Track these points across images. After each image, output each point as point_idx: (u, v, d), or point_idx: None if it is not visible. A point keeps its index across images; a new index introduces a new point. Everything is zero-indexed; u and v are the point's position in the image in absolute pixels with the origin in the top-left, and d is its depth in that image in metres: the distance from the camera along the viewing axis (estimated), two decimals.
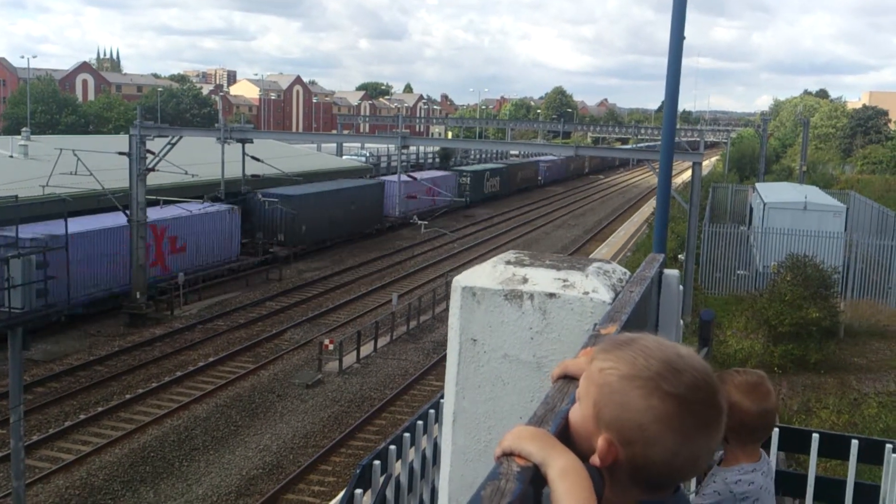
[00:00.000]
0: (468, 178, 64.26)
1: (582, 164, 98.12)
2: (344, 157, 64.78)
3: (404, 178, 48.57)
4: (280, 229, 40.27)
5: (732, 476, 2.67)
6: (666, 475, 1.43)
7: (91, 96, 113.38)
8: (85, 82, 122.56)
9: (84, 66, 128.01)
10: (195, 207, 33.32)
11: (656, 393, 1.39)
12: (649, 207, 60.64)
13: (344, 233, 44.94)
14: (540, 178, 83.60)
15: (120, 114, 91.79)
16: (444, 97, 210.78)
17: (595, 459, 1.43)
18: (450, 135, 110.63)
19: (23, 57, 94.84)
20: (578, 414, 1.49)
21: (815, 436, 3.95)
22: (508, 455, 1.39)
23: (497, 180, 70.64)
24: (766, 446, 3.48)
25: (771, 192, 36.23)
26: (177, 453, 19.77)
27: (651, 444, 1.39)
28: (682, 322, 3.54)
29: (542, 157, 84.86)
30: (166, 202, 32.94)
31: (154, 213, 31.90)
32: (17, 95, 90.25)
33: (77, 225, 27.64)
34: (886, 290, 28.63)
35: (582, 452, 1.46)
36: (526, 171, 79.57)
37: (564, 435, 1.48)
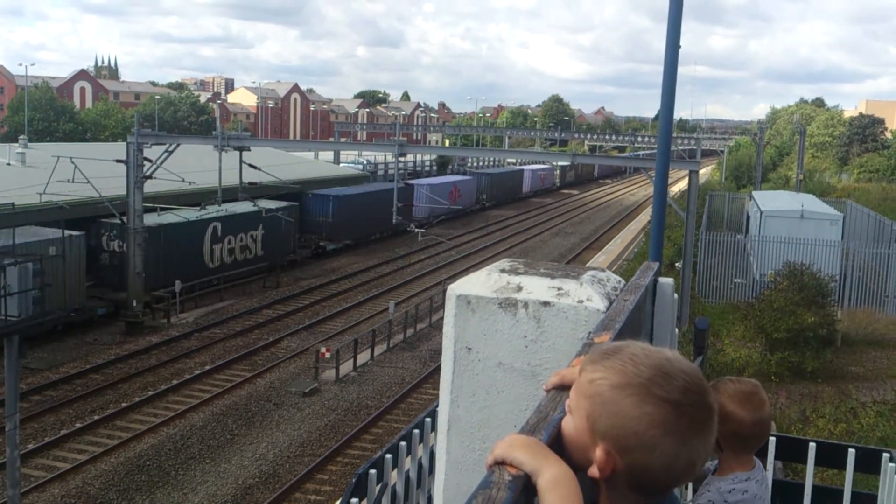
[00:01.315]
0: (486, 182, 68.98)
1: (591, 170, 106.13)
2: (341, 164, 64.82)
3: (432, 181, 55.70)
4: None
5: (726, 485, 2.67)
6: (665, 480, 1.44)
7: (89, 104, 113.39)
8: (83, 90, 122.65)
9: (82, 74, 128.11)
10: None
11: (650, 399, 1.39)
12: (646, 216, 60.72)
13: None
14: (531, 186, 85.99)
15: (118, 121, 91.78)
16: (442, 105, 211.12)
17: (594, 471, 1.43)
18: (447, 143, 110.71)
19: (21, 64, 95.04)
20: (571, 426, 1.49)
21: (812, 445, 3.94)
22: (500, 464, 1.38)
23: (511, 185, 76.13)
24: (763, 455, 3.47)
25: (768, 200, 36.29)
26: (173, 462, 19.71)
27: (649, 451, 1.39)
28: (676, 330, 3.54)
29: (549, 165, 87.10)
30: (163, 209, 32.92)
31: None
32: (16, 103, 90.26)
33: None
34: (883, 299, 28.66)
35: (576, 463, 1.46)
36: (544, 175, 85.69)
37: (557, 444, 1.47)
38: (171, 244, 33.37)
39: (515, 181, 78.26)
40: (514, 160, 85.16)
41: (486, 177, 70.62)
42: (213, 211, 34.43)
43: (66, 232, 25.47)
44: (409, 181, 57.12)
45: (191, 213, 35.16)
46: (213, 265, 35.99)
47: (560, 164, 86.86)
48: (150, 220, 32.45)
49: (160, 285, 31.93)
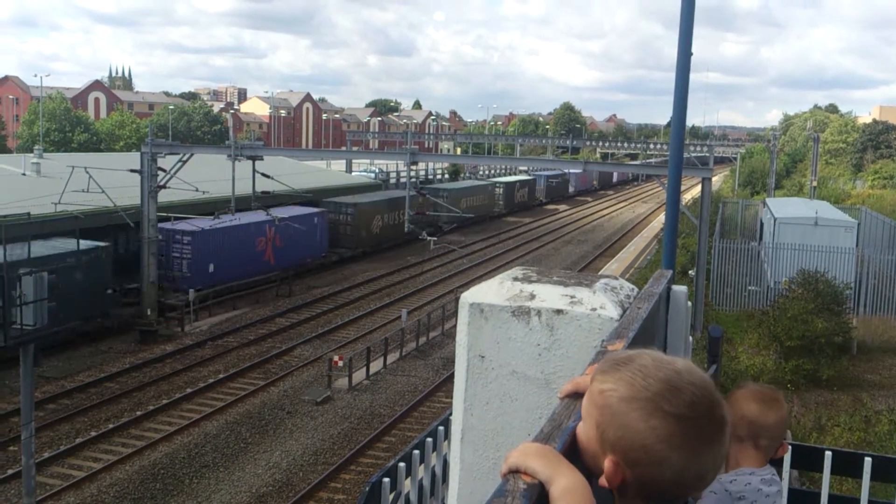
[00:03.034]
0: (501, 189, 70.30)
1: (609, 177, 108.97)
2: (353, 173, 65.01)
3: (286, 212, 56.19)
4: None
5: (728, 476, 2.70)
6: (674, 492, 1.43)
7: (103, 114, 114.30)
8: (97, 100, 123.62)
9: (96, 85, 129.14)
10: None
11: (656, 413, 1.38)
12: (659, 223, 60.57)
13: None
14: (572, 189, 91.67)
15: (132, 132, 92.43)
16: (453, 113, 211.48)
17: (603, 481, 1.43)
18: (458, 151, 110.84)
19: (36, 75, 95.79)
20: (584, 433, 1.50)
21: (828, 453, 3.92)
22: (515, 472, 1.39)
23: (525, 191, 76.52)
24: (779, 464, 3.46)
25: (781, 207, 36.14)
26: (187, 470, 19.76)
27: (656, 464, 1.39)
28: (691, 338, 3.53)
29: (571, 171, 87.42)
30: (177, 219, 33.08)
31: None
32: (31, 114, 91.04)
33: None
34: None
35: (590, 469, 1.46)
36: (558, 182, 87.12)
37: (571, 452, 1.47)
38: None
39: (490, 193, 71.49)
40: (525, 168, 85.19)
41: (501, 185, 71.87)
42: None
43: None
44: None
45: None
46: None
47: (573, 171, 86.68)
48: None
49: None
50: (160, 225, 32.41)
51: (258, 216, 35.96)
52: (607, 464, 1.42)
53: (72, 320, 22.18)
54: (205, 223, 33.85)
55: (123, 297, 31.19)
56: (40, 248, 22.12)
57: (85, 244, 25.59)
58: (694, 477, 1.41)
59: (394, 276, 42.85)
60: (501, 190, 70.16)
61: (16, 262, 18.71)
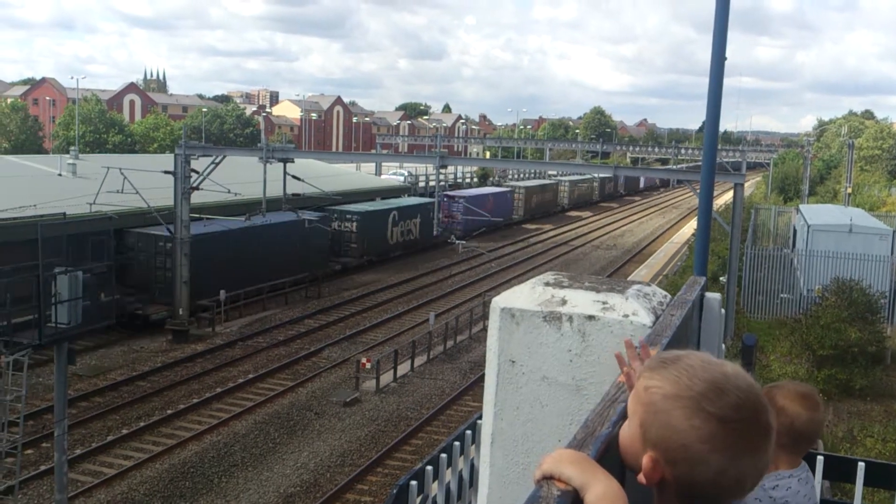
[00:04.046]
0: (522, 195, 72.59)
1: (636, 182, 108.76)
2: (383, 176, 65.22)
3: (470, 192, 62.52)
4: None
5: (769, 482, 2.67)
6: (713, 495, 1.43)
7: (138, 116, 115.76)
8: (132, 103, 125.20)
9: (131, 87, 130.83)
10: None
11: (699, 413, 1.38)
12: (690, 228, 60.01)
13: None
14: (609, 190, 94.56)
15: (165, 134, 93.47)
16: (483, 117, 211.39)
17: (641, 478, 1.44)
18: (488, 155, 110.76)
19: (72, 77, 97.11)
20: (627, 431, 1.51)
21: (861, 464, 3.87)
22: (548, 478, 1.39)
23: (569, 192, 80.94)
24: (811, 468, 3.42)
25: (815, 214, 35.68)
26: (216, 469, 19.93)
27: (695, 464, 1.39)
28: (723, 346, 3.50)
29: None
30: (209, 219, 33.42)
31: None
32: (67, 117, 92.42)
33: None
34: None
35: (632, 469, 1.48)
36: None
37: (606, 458, 1.48)
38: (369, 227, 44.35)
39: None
40: (554, 172, 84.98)
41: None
42: (392, 202, 49.50)
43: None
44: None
45: (378, 204, 48.86)
46: (392, 243, 47.30)
47: (601, 175, 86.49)
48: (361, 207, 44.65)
49: (374, 252, 45.02)
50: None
51: None
52: (645, 460, 1.42)
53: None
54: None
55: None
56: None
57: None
58: (733, 481, 1.40)
59: (422, 280, 42.91)
60: (566, 188, 78.47)
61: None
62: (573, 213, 77.02)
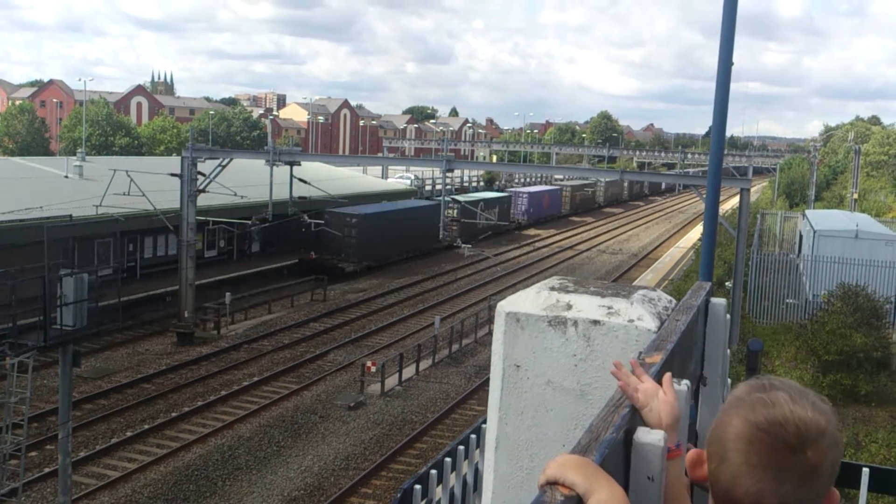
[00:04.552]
0: (569, 193, 79.35)
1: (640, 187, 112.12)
2: (389, 179, 65.31)
3: (530, 189, 71.52)
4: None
5: None
6: (729, 501, 1.44)
7: (145, 119, 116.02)
8: (139, 105, 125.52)
9: (138, 89, 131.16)
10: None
11: (741, 416, 1.44)
12: (696, 233, 59.93)
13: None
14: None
15: (172, 136, 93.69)
16: (490, 121, 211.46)
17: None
18: (494, 158, 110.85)
19: (80, 79, 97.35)
20: None
21: (866, 470, 3.85)
22: (552, 484, 1.38)
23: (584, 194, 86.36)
24: None
25: (821, 219, 35.61)
26: (220, 472, 19.93)
27: (722, 462, 1.44)
28: (728, 352, 3.50)
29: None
30: (216, 223, 33.49)
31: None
32: (73, 119, 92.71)
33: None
34: None
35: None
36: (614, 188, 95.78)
37: (610, 463, 1.47)
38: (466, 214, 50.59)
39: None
40: (561, 176, 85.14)
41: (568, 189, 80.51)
42: (481, 195, 60.90)
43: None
44: (511, 190, 72.24)
45: (472, 196, 60.15)
46: (480, 227, 54.19)
47: (607, 179, 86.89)
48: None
49: (468, 234, 50.83)
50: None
51: None
52: (690, 451, 1.51)
53: None
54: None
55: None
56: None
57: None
58: (746, 492, 1.41)
59: (427, 283, 42.93)
60: (603, 188, 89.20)
61: None
62: (606, 210, 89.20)
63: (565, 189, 78.09)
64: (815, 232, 31.58)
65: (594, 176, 79.72)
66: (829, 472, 1.43)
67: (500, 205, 61.55)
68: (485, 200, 58.66)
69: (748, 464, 1.40)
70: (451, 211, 51.17)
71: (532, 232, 65.14)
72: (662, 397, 1.74)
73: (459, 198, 56.28)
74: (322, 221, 38.22)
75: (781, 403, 1.43)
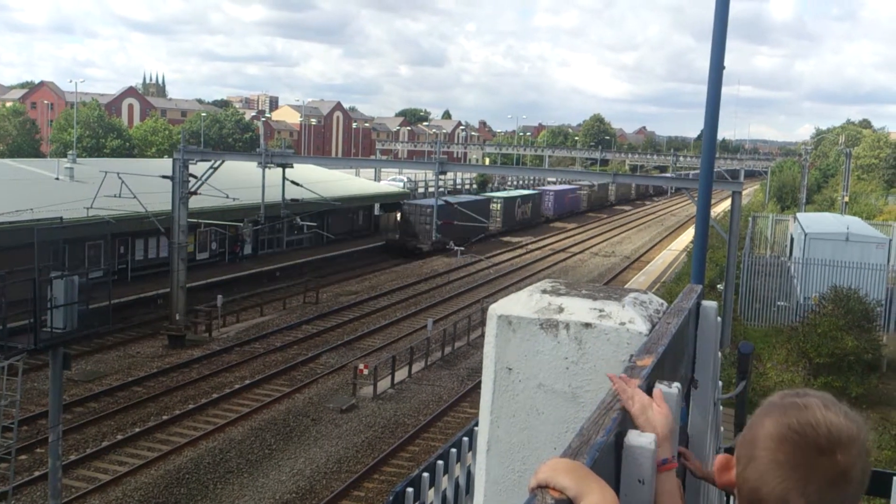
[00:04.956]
0: (586, 192, 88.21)
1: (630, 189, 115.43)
2: (382, 182, 65.26)
3: (555, 188, 79.32)
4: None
5: None
6: (754, 501, 1.45)
7: (137, 120, 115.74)
8: (131, 107, 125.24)
9: (130, 91, 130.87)
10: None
11: (774, 418, 1.46)
12: (688, 236, 60.11)
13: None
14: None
15: (164, 138, 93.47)
16: (483, 123, 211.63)
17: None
18: (487, 161, 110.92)
19: (71, 81, 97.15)
20: None
21: None
22: (543, 487, 1.38)
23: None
24: None
25: (812, 222, 35.74)
26: (211, 476, 19.87)
27: (750, 461, 1.46)
28: (720, 354, 3.50)
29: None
30: (207, 226, 33.42)
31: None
32: (62, 120, 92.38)
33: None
34: None
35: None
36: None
37: (601, 466, 1.46)
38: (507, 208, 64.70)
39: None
40: (553, 179, 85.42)
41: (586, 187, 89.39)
42: (517, 192, 70.48)
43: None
44: (540, 188, 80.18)
45: (510, 193, 71.18)
46: (518, 219, 67.80)
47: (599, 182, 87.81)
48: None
49: (509, 224, 64.71)
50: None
51: None
52: (718, 456, 1.54)
53: None
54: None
55: None
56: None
57: None
58: (771, 492, 1.42)
59: (420, 286, 42.93)
60: (614, 188, 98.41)
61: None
62: (617, 207, 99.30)
63: (583, 189, 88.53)
64: (806, 235, 31.69)
65: (586, 179, 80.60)
66: (859, 480, 1.44)
67: (532, 200, 72.35)
68: (521, 196, 70.26)
69: (776, 462, 1.41)
70: (495, 205, 64.25)
71: (558, 225, 74.87)
72: (657, 409, 1.74)
73: (501, 194, 70.13)
74: (315, 224, 38.41)
75: (814, 407, 1.44)
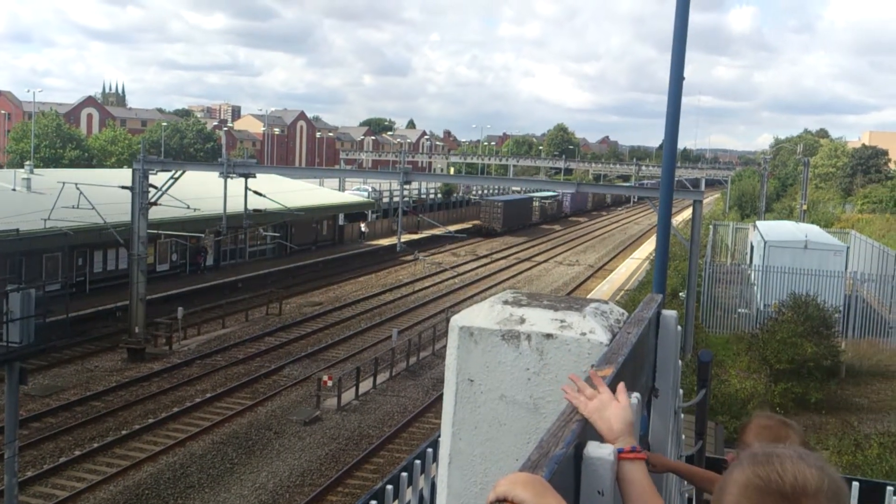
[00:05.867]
0: (591, 196, 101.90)
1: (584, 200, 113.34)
2: (346, 191, 65.10)
3: (571, 191, 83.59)
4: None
5: None
6: None
7: (96, 130, 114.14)
8: (90, 116, 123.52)
9: (89, 101, 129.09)
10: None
11: (746, 465, 1.48)
12: (651, 244, 60.67)
13: (520, 223, 77.32)
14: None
15: (124, 148, 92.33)
16: (447, 133, 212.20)
17: None
18: (452, 170, 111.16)
19: (28, 91, 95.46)
20: None
21: (890, 488, 3.90)
22: (501, 501, 1.37)
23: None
24: None
25: (771, 230, 36.29)
26: (171, 491, 19.57)
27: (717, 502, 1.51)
28: (680, 363, 3.52)
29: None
30: (167, 237, 33.04)
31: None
32: (19, 131, 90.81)
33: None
34: (888, 330, 28.55)
35: None
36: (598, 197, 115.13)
37: (558, 479, 1.45)
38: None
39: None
40: (518, 188, 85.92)
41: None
42: (532, 194, 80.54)
43: None
44: (531, 193, 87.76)
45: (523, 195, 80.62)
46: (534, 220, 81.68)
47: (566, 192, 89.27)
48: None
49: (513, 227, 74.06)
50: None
51: None
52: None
53: None
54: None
55: None
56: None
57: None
58: None
59: (385, 296, 42.81)
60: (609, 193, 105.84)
61: None
62: (612, 209, 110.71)
63: (590, 193, 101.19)
64: (765, 242, 32.17)
65: (551, 188, 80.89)
66: None
67: (555, 200, 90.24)
68: (552, 196, 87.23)
69: None
70: (535, 203, 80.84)
71: (574, 219, 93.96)
72: (614, 405, 1.75)
73: (538, 194, 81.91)
74: (278, 234, 38.37)
75: (785, 458, 1.45)
